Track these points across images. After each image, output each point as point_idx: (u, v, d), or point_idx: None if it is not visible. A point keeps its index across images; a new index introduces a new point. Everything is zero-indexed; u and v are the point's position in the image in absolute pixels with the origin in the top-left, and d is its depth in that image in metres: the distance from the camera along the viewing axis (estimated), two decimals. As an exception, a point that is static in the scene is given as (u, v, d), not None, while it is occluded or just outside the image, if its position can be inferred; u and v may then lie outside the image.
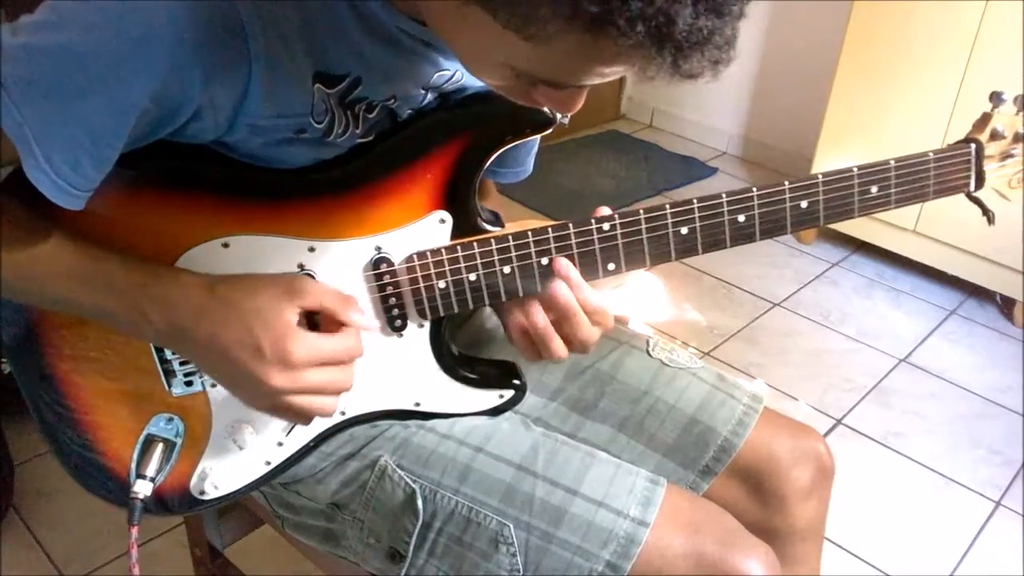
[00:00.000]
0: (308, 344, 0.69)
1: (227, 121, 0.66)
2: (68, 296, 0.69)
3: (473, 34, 0.55)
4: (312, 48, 0.65)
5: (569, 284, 0.76)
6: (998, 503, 1.77)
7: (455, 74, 0.74)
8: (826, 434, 1.90)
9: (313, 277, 0.76)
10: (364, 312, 0.74)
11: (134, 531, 0.75)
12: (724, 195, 0.77)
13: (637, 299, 2.34)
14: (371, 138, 0.74)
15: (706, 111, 3.30)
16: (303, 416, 0.72)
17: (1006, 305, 2.38)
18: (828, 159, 2.45)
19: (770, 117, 3.13)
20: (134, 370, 0.78)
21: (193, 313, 0.68)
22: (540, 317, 0.77)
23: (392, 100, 0.72)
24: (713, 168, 3.11)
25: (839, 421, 1.96)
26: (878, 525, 1.70)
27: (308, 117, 0.68)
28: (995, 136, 0.82)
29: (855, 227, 2.49)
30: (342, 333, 0.72)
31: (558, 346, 0.77)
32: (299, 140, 0.70)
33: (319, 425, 0.82)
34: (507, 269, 0.77)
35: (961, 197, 0.87)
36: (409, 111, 0.75)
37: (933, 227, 2.32)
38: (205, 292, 0.69)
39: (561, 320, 0.76)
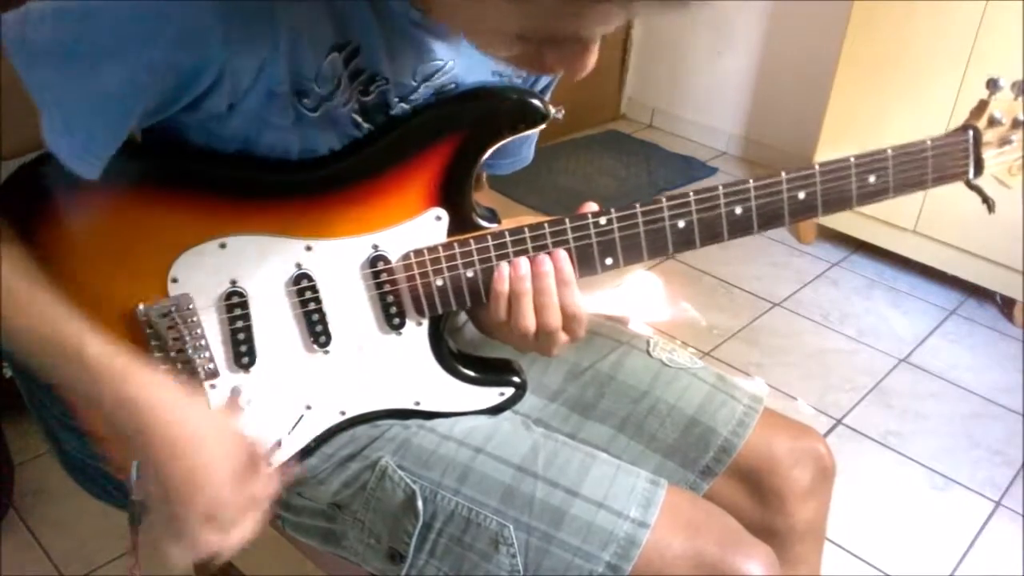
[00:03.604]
0: (237, 510, 0.68)
1: (245, 90, 0.66)
2: (31, 349, 0.67)
3: (465, 9, 0.57)
4: (333, 14, 0.66)
5: (558, 274, 0.76)
6: (998, 503, 1.77)
7: (447, 64, 0.74)
8: (826, 434, 1.90)
9: (310, 277, 0.76)
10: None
11: (136, 532, 0.75)
12: (721, 187, 0.77)
13: (637, 299, 2.34)
14: (367, 127, 0.74)
15: (706, 111, 3.30)
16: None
17: (1006, 305, 2.37)
18: (828, 158, 2.44)
19: (770, 117, 3.13)
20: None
21: (147, 436, 0.66)
22: (523, 269, 0.76)
23: (385, 82, 0.72)
24: (713, 168, 3.11)
25: (839, 421, 1.96)
26: (878, 525, 1.70)
27: (312, 82, 0.68)
28: (993, 123, 0.82)
29: (855, 227, 2.49)
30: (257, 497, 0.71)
31: (528, 310, 0.76)
32: (302, 110, 0.70)
33: (319, 425, 0.82)
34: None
35: (961, 197, 0.86)
36: (398, 101, 0.74)
37: (933, 227, 2.32)
38: (170, 409, 0.67)
39: (535, 293, 0.76)
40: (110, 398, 0.66)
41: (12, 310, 0.66)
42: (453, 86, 0.76)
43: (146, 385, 0.67)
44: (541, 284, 0.76)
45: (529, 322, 0.76)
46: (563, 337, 0.78)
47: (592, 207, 0.77)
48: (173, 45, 0.61)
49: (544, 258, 0.76)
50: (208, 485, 0.67)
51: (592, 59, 0.62)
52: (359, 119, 0.73)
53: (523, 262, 0.76)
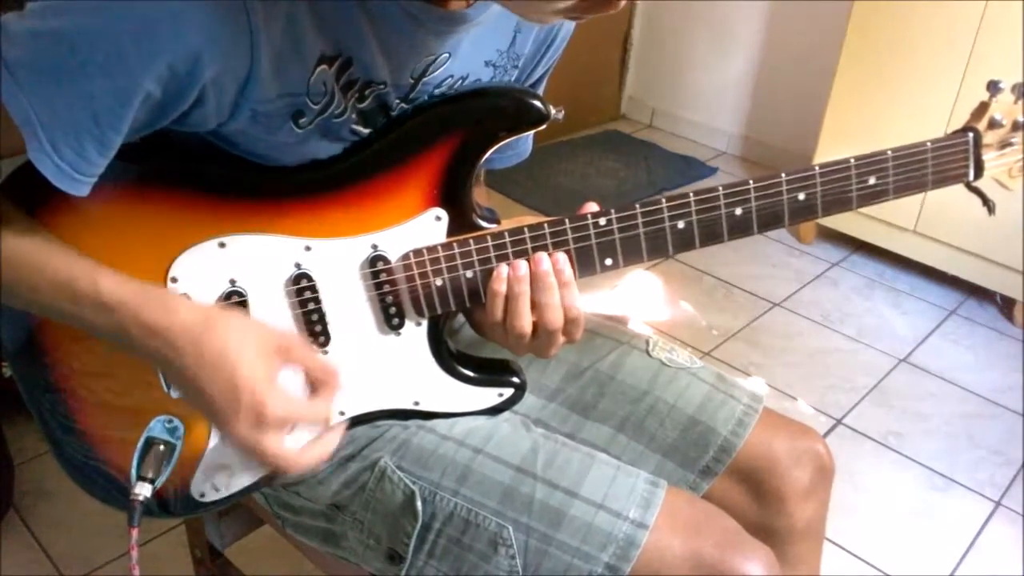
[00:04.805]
0: (284, 404, 0.68)
1: (230, 106, 0.66)
2: (60, 309, 0.69)
3: None
4: (319, 28, 0.66)
5: (558, 276, 0.76)
6: (998, 503, 1.77)
7: (440, 57, 0.74)
8: (826, 434, 1.90)
9: (310, 277, 0.76)
10: (340, 386, 0.73)
11: (134, 533, 0.75)
12: (721, 188, 0.77)
13: (637, 299, 2.34)
14: (367, 131, 0.74)
15: (706, 111, 3.30)
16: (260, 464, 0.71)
17: (1006, 305, 2.38)
18: (829, 158, 2.43)
19: (770, 117, 3.13)
20: (135, 375, 0.78)
21: (179, 350, 0.67)
22: (522, 270, 0.76)
23: (383, 86, 0.72)
24: (713, 168, 3.11)
25: (839, 421, 1.96)
26: (878, 525, 1.70)
27: (304, 97, 0.68)
28: (993, 125, 0.82)
29: (855, 227, 2.49)
30: (318, 401, 0.72)
31: (524, 310, 0.76)
32: (296, 129, 0.70)
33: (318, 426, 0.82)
34: (504, 266, 0.77)
35: (961, 197, 0.86)
36: (399, 102, 0.74)
37: (933, 227, 2.32)
38: (195, 331, 0.67)
39: (535, 292, 0.76)
40: (132, 328, 0.67)
41: (28, 269, 0.68)
42: (449, 79, 0.76)
43: (163, 308, 0.68)
44: (540, 284, 0.76)
45: (524, 323, 0.76)
46: (561, 339, 0.78)
47: (592, 207, 0.77)
48: (157, 63, 0.60)
49: (542, 258, 0.76)
50: (248, 388, 0.66)
51: None
52: (358, 127, 0.73)
53: (522, 264, 0.76)
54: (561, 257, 0.76)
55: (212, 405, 0.68)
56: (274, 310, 0.77)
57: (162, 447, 0.79)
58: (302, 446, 0.71)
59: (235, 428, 0.68)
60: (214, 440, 0.80)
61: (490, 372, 0.86)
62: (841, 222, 2.50)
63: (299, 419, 0.70)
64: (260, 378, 0.67)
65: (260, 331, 0.70)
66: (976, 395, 2.07)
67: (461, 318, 0.99)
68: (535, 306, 0.76)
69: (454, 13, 0.71)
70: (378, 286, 0.78)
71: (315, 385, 0.73)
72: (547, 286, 0.76)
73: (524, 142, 0.93)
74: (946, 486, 1.80)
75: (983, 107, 0.83)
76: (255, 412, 0.67)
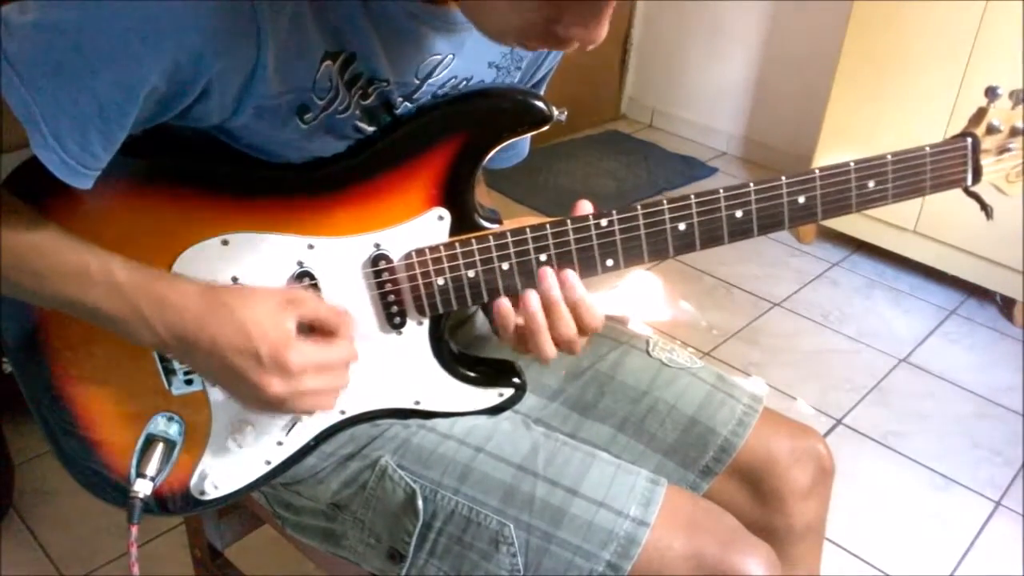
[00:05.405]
0: (305, 352, 0.69)
1: (234, 101, 0.66)
2: (67, 295, 0.69)
3: None
4: (322, 24, 0.66)
5: (560, 281, 0.76)
6: (998, 503, 1.77)
7: (445, 58, 0.74)
8: (826, 434, 1.90)
9: (312, 275, 0.76)
10: (356, 322, 0.75)
11: (134, 530, 0.75)
12: (721, 191, 0.77)
13: (637, 299, 2.34)
14: (371, 129, 0.74)
15: (706, 111, 3.30)
16: (303, 413, 0.73)
17: (1006, 305, 2.38)
18: (828, 159, 2.44)
19: (770, 117, 3.13)
20: (135, 370, 0.78)
21: (193, 320, 0.68)
22: (534, 305, 0.77)
23: (386, 83, 0.72)
24: (713, 168, 3.11)
25: (839, 421, 1.96)
26: (878, 525, 1.70)
27: (310, 92, 0.68)
28: (991, 130, 0.83)
29: (855, 227, 2.49)
30: (337, 342, 0.73)
31: (545, 338, 0.77)
32: (301, 125, 0.70)
33: (319, 424, 0.82)
34: (505, 266, 0.77)
35: (961, 197, 0.87)
36: (402, 100, 0.74)
37: (933, 227, 2.32)
38: (205, 299, 0.69)
39: (546, 312, 0.77)
40: (146, 308, 0.68)
41: (34, 256, 0.68)
42: (453, 79, 0.76)
43: (171, 287, 0.69)
44: (554, 313, 0.76)
45: (550, 350, 0.77)
46: (584, 340, 0.79)
47: (586, 205, 0.77)
48: (162, 57, 0.60)
49: (551, 286, 0.76)
50: (265, 345, 0.67)
51: (605, 25, 0.61)
52: (363, 124, 0.74)
53: (533, 299, 0.76)
54: (570, 275, 0.76)
55: (238, 374, 0.68)
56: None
57: (162, 444, 0.79)
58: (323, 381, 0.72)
59: (268, 390, 0.68)
60: (214, 437, 0.80)
61: (491, 372, 0.86)
62: (841, 222, 2.50)
63: (323, 362, 0.71)
64: (274, 333, 0.68)
65: (264, 290, 0.71)
66: (976, 395, 2.07)
67: (461, 315, 0.99)
68: (554, 335, 0.77)
69: (454, 12, 0.71)
70: (380, 285, 0.78)
71: (330, 330, 0.73)
72: (560, 315, 0.76)
73: (523, 142, 0.93)
74: (946, 486, 1.80)
75: (981, 113, 0.83)
76: (278, 367, 0.68)
